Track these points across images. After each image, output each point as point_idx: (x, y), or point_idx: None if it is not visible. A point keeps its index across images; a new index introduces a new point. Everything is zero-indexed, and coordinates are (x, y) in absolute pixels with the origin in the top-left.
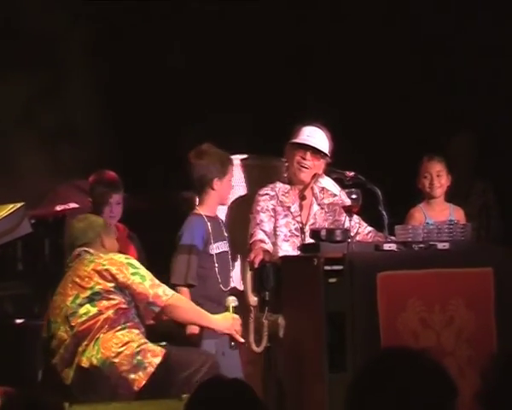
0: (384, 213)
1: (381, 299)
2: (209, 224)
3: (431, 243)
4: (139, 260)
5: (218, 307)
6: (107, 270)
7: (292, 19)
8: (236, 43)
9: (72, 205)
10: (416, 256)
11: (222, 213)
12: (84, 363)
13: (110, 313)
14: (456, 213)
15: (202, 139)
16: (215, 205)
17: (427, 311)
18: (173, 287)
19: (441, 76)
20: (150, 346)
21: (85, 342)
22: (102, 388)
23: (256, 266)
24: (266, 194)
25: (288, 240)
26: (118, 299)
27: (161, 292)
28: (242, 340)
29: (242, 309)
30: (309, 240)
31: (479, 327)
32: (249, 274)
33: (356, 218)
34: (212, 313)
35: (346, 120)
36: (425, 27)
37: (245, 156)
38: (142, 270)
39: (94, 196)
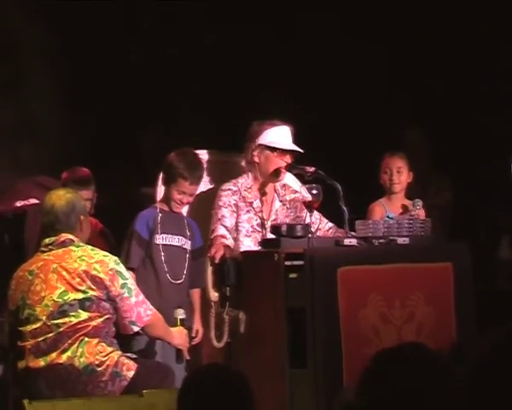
0: (344, 208)
1: (342, 294)
2: (160, 215)
3: (391, 238)
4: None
5: (159, 297)
6: (101, 279)
7: (245, 15)
8: (187, 44)
9: (33, 201)
10: (377, 251)
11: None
12: (64, 361)
13: (100, 321)
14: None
15: (162, 137)
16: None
17: (387, 306)
18: None
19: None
20: (125, 359)
21: (69, 341)
22: (75, 390)
23: (217, 261)
24: (229, 189)
25: (249, 235)
26: (107, 308)
27: (143, 312)
28: (188, 357)
29: (203, 304)
30: (270, 236)
31: (439, 322)
32: (210, 270)
33: (316, 214)
34: (151, 302)
35: (306, 115)
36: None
37: (204, 152)
38: (130, 280)
39: None
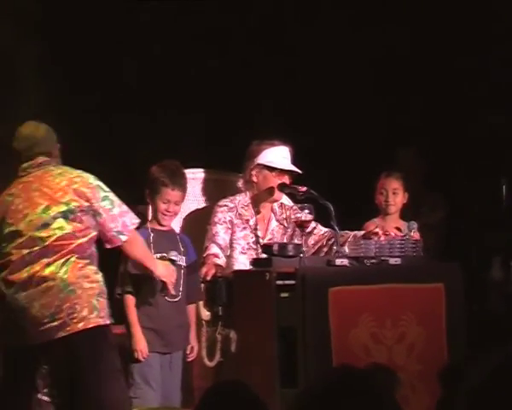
0: (336, 228)
1: (333, 314)
2: (152, 235)
3: (383, 258)
4: None
5: (159, 317)
6: (82, 191)
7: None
8: (185, 63)
9: None
10: (368, 271)
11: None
12: (46, 275)
13: (84, 240)
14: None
15: (156, 153)
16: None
17: (378, 326)
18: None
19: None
20: (106, 302)
21: (54, 257)
22: (51, 305)
23: (208, 279)
24: (225, 205)
25: (245, 253)
26: (90, 222)
27: (129, 221)
28: (173, 292)
29: (196, 323)
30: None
31: (430, 342)
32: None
33: (313, 223)
34: (151, 323)
35: (299, 134)
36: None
37: (200, 170)
38: (111, 194)
39: None
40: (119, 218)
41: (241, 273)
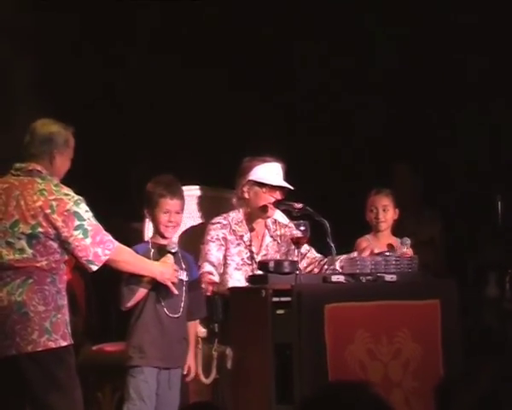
0: (332, 244)
1: (329, 331)
2: (153, 250)
3: (378, 274)
4: (86, 291)
5: (159, 332)
6: (53, 219)
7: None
8: (177, 79)
9: None
10: (364, 288)
11: None
12: (2, 295)
13: (44, 263)
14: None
15: (150, 169)
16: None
17: (374, 343)
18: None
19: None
20: (66, 327)
21: (12, 276)
22: (5, 324)
23: (208, 294)
24: (218, 223)
25: (240, 269)
26: (54, 248)
27: (101, 252)
28: (176, 292)
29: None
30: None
31: (425, 359)
32: None
33: (306, 246)
34: (150, 336)
35: (294, 151)
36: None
37: (196, 187)
38: (87, 222)
39: None
40: (91, 248)
41: (237, 290)
